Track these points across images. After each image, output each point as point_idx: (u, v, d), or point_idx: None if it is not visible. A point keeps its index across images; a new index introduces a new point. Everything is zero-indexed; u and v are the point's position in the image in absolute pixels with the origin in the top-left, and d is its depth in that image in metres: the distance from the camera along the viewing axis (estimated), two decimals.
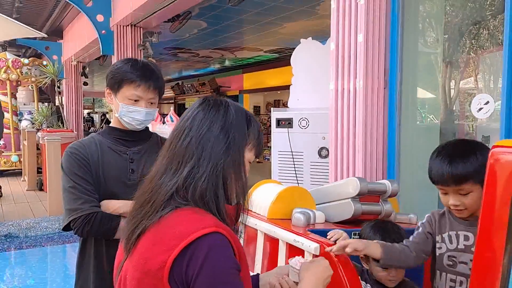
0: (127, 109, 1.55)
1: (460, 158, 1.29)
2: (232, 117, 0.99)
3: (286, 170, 3.88)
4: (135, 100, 1.55)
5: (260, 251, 1.74)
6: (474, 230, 1.24)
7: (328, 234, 1.52)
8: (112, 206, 1.51)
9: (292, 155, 4.03)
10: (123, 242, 1.00)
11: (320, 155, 3.62)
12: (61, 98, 9.94)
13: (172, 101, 17.36)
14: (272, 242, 1.68)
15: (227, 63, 12.32)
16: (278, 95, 12.77)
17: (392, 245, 1.44)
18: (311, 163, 3.67)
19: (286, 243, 1.59)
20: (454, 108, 3.65)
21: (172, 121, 6.04)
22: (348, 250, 1.33)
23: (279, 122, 4.23)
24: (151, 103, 1.59)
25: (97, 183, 1.52)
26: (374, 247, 1.40)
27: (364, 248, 1.37)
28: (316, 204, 1.87)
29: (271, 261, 1.69)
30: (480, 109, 2.08)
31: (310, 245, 1.46)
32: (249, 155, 1.02)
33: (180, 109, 15.65)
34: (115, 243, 1.52)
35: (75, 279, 1.60)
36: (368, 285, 1.64)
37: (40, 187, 7.87)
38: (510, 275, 0.88)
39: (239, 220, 1.06)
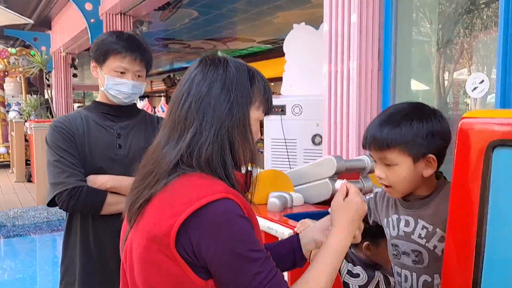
0: (113, 82, 1.50)
1: (392, 122, 1.09)
2: (233, 74, 0.92)
3: (280, 158, 3.84)
4: (121, 73, 1.50)
5: None
6: (414, 214, 1.12)
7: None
8: (99, 180, 1.46)
9: (286, 142, 3.99)
10: (126, 214, 0.95)
11: (313, 142, 3.58)
12: (51, 91, 9.80)
13: (164, 94, 17.24)
14: None
15: (219, 54, 12.22)
16: (272, 87, 12.69)
17: None
18: (305, 150, 3.64)
19: (261, 231, 1.55)
20: (448, 100, 3.65)
21: (163, 111, 5.98)
22: (297, 229, 1.34)
23: (272, 109, 4.19)
24: (138, 76, 1.54)
25: (83, 158, 1.47)
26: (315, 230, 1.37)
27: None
28: (294, 186, 1.84)
29: None
30: (475, 88, 2.05)
31: (283, 232, 1.44)
32: (256, 114, 0.95)
33: None
34: (102, 219, 1.48)
35: (61, 257, 1.55)
36: (358, 266, 1.60)
37: (29, 178, 7.81)
38: (484, 255, 0.84)
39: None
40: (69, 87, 10.34)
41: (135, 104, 1.69)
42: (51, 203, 1.46)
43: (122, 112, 1.59)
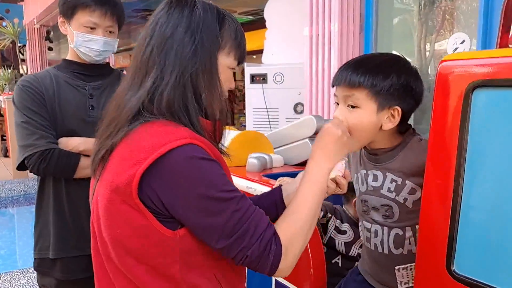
0: (83, 38, 1.42)
1: (369, 64, 1.06)
2: (199, 16, 0.86)
3: (261, 129, 3.80)
4: (91, 28, 1.43)
5: None
6: (382, 168, 1.09)
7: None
8: (72, 143, 1.40)
9: (267, 111, 3.96)
10: (91, 166, 0.92)
11: (295, 110, 3.56)
12: (26, 66, 9.47)
13: None
14: None
15: None
16: (254, 60, 12.56)
17: None
18: (287, 119, 3.61)
19: (241, 190, 1.53)
20: (429, 72, 3.65)
21: None
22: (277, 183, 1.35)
23: (253, 78, 4.12)
24: (110, 32, 1.47)
25: (54, 120, 1.41)
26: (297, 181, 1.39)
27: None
28: (274, 148, 1.82)
29: None
30: (456, 48, 2.04)
31: (262, 190, 1.41)
32: (227, 61, 0.90)
33: None
34: (75, 183, 1.43)
35: (34, 223, 1.51)
36: (346, 224, 1.61)
37: (5, 153, 7.65)
38: (462, 198, 0.84)
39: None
40: (45, 62, 9.99)
41: (108, 63, 1.62)
42: (21, 167, 1.40)
43: (94, 71, 1.52)
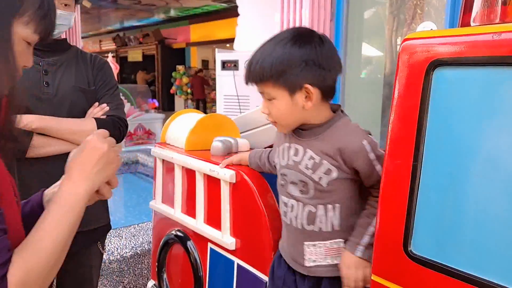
0: None
1: (264, 52, 1.01)
2: None
3: (232, 116, 3.76)
4: None
5: (179, 185, 1.65)
6: (304, 143, 1.08)
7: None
8: (25, 120, 1.32)
9: (238, 99, 3.91)
10: None
11: None
12: None
13: (113, 54, 16.46)
14: (190, 175, 1.58)
15: (172, 13, 11.72)
16: (228, 48, 12.45)
17: (256, 151, 1.41)
18: (258, 106, 3.57)
19: (204, 174, 1.51)
20: None
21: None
22: (221, 165, 1.41)
23: (224, 65, 4.06)
24: (65, 5, 1.39)
25: None
26: (245, 157, 1.41)
27: (238, 160, 1.42)
28: (241, 132, 1.78)
29: (190, 195, 1.60)
30: None
31: (225, 173, 1.38)
32: (23, 31, 0.76)
33: (122, 63, 14.88)
34: (28, 162, 1.36)
35: None
36: None
37: None
38: (420, 178, 0.83)
39: None
40: None
41: (65, 38, 1.54)
42: None
43: (50, 46, 1.43)
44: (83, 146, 0.80)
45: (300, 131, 1.10)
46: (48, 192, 0.88)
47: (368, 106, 3.35)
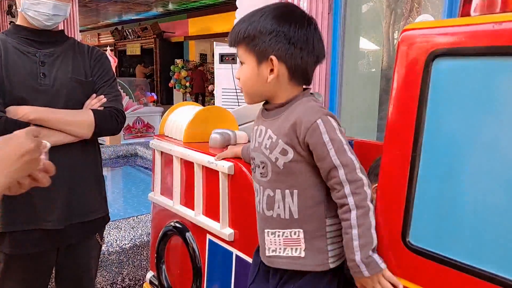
0: (30, 1, 1.34)
1: (247, 18, 1.03)
2: None
3: (231, 109, 3.75)
4: None
5: (178, 177, 1.65)
6: (267, 123, 1.06)
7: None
8: (21, 111, 1.32)
9: (236, 92, 3.90)
10: None
11: None
12: None
13: (111, 47, 16.39)
14: (189, 167, 1.58)
15: (170, 6, 11.66)
16: (225, 42, 12.40)
17: (248, 145, 1.36)
18: None
19: (202, 166, 1.51)
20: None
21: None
22: (216, 158, 1.42)
23: (223, 58, 4.04)
24: None
25: (1, 88, 1.32)
26: (239, 150, 1.41)
27: (233, 154, 1.42)
28: (239, 125, 1.78)
29: (189, 187, 1.60)
30: None
31: (223, 165, 1.38)
32: None
33: (120, 56, 14.81)
34: None
35: None
36: None
37: None
38: (419, 170, 0.83)
39: None
40: None
41: (62, 30, 1.52)
42: None
43: (46, 38, 1.43)
44: (9, 138, 0.78)
45: (266, 112, 1.09)
46: None
47: (365, 99, 3.35)
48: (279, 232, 1.05)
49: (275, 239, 1.06)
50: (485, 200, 0.76)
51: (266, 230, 1.08)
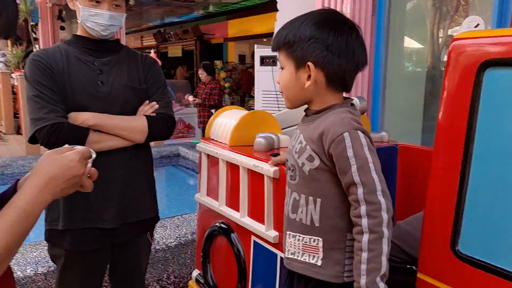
0: (89, 13, 1.43)
1: (285, 28, 1.05)
2: None
3: (270, 112, 3.79)
4: (97, 2, 1.43)
5: (223, 179, 1.70)
6: (302, 128, 1.09)
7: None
8: (81, 117, 1.42)
9: (276, 94, 3.93)
10: None
11: None
12: (38, 46, 9.49)
13: (155, 50, 16.84)
14: (234, 170, 1.63)
15: (211, 8, 11.85)
16: (264, 43, 12.47)
17: None
18: None
19: (247, 169, 1.55)
20: (442, 59, 3.60)
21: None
22: (270, 163, 1.42)
23: (263, 60, 4.09)
24: (116, 6, 1.46)
25: (63, 94, 1.42)
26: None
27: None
28: (282, 129, 1.81)
29: (234, 189, 1.65)
30: None
31: (269, 169, 1.42)
32: None
33: (162, 58, 15.21)
34: None
35: None
36: None
37: (18, 131, 7.74)
38: (469, 179, 0.83)
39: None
40: (57, 41, 10.01)
41: (118, 39, 1.62)
42: (32, 140, 1.42)
43: (103, 47, 1.52)
44: (61, 158, 0.80)
45: (305, 117, 1.13)
46: (21, 182, 0.86)
47: (409, 100, 3.29)
48: (299, 236, 1.08)
49: (295, 243, 1.09)
50: None
51: (288, 232, 1.12)
